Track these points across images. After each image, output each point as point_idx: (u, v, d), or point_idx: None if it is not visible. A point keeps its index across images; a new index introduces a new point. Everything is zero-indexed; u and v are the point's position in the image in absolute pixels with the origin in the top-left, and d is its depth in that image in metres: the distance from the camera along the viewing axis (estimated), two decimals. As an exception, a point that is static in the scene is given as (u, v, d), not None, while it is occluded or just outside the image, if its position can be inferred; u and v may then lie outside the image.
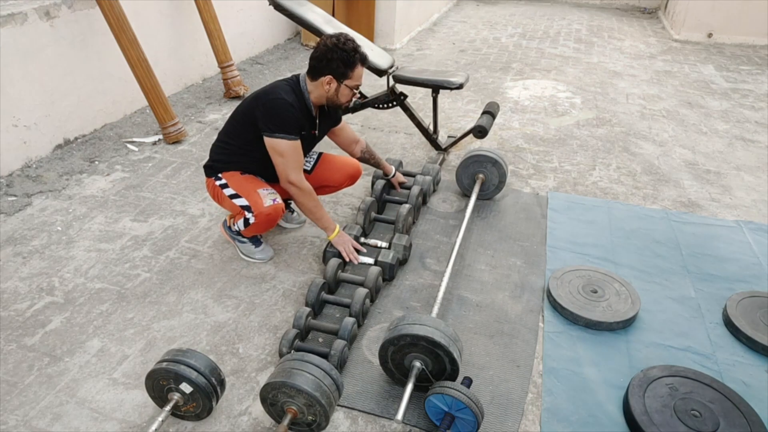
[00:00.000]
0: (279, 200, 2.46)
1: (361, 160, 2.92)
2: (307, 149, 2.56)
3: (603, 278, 2.58)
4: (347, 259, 2.58)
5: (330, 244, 2.61)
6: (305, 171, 2.74)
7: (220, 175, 2.53)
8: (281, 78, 2.51)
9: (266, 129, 2.33)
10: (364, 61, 2.39)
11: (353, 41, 2.34)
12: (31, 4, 3.34)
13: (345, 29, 3.65)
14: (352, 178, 2.86)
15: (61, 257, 2.67)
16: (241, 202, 2.46)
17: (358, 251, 2.64)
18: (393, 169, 3.12)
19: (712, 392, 1.98)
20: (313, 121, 2.50)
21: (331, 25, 3.55)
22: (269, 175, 2.60)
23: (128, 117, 4.16)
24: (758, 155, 4.06)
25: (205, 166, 2.59)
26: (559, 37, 7.18)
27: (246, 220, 2.47)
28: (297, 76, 2.44)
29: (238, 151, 2.50)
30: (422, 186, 3.14)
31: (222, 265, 2.67)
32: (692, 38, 7.19)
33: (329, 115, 2.62)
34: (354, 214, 3.12)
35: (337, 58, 2.30)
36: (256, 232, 2.60)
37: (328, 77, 2.34)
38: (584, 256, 2.82)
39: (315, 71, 2.36)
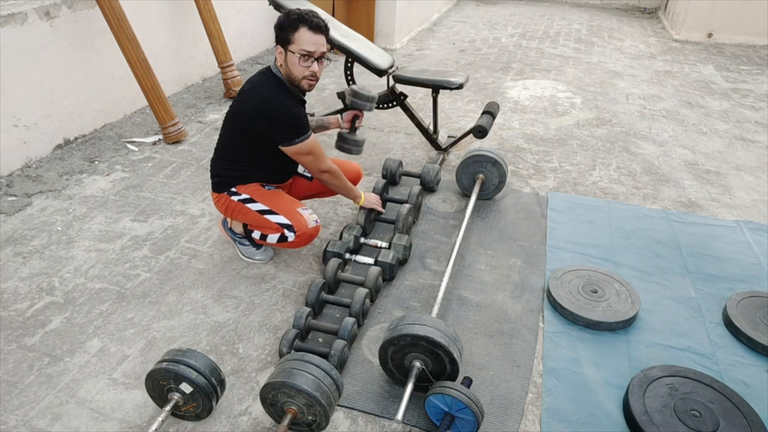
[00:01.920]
0: (319, 221, 2.49)
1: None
2: None
3: (603, 278, 2.58)
4: (380, 211, 2.89)
5: (330, 244, 2.61)
6: (307, 178, 2.76)
7: (234, 189, 2.47)
8: (254, 76, 2.37)
9: (284, 140, 2.31)
10: (309, 24, 2.19)
11: (304, 9, 2.23)
12: (31, 4, 3.34)
13: (345, 29, 3.66)
14: (353, 182, 2.87)
15: (61, 257, 2.67)
16: (279, 219, 2.42)
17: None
18: (337, 117, 2.84)
19: (712, 392, 1.98)
20: (302, 102, 2.43)
21: (331, 25, 3.53)
22: (282, 176, 2.63)
23: (128, 117, 4.16)
24: (758, 155, 4.06)
25: (214, 182, 2.53)
26: (559, 37, 7.18)
27: (283, 237, 2.45)
28: (268, 68, 2.35)
29: (249, 167, 2.46)
30: (427, 174, 3.19)
31: (222, 265, 2.67)
32: (692, 38, 7.19)
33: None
34: (354, 214, 3.12)
35: (278, 25, 2.22)
36: (287, 248, 2.59)
37: (278, 47, 2.26)
38: (584, 256, 2.82)
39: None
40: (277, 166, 2.54)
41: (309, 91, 2.38)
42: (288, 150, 2.35)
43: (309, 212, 2.48)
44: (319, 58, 2.29)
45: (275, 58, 2.34)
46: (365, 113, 2.79)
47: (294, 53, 2.23)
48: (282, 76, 2.33)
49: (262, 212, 2.44)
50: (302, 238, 2.44)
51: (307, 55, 2.24)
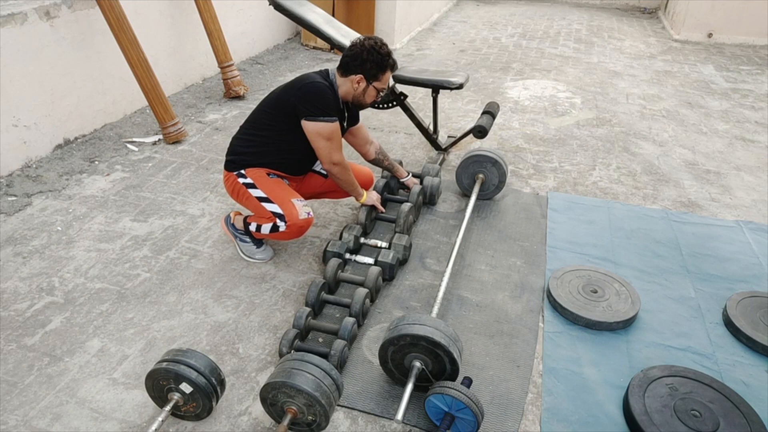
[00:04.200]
0: (312, 213, 2.50)
1: (375, 162, 2.96)
2: None
3: (603, 278, 2.58)
4: (380, 210, 2.92)
5: (330, 244, 2.61)
6: (322, 175, 2.79)
7: (243, 171, 2.52)
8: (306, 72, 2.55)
9: (308, 113, 2.36)
10: (394, 66, 2.46)
11: (387, 46, 2.42)
12: (31, 4, 3.34)
13: (345, 29, 3.65)
14: (365, 186, 2.91)
15: (61, 257, 2.67)
16: (273, 208, 2.45)
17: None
18: (406, 173, 3.14)
19: (712, 392, 1.98)
20: (342, 114, 2.54)
21: (331, 25, 3.55)
22: (296, 168, 2.65)
23: (128, 117, 4.16)
24: (758, 155, 4.06)
25: (227, 161, 2.58)
26: (559, 37, 7.18)
27: (275, 227, 2.47)
28: (326, 70, 2.49)
29: (267, 144, 2.50)
30: (429, 186, 3.15)
31: (222, 265, 2.67)
32: (692, 38, 7.19)
33: (351, 113, 2.65)
34: (354, 214, 3.12)
35: (372, 59, 2.37)
36: (281, 239, 2.60)
37: (359, 76, 2.40)
38: (584, 256, 2.82)
39: (347, 68, 2.41)
40: (294, 154, 2.56)
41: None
42: (309, 126, 2.38)
43: (302, 203, 2.49)
44: None
45: (332, 71, 2.47)
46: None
47: (376, 88, 2.47)
48: (337, 89, 2.45)
49: (260, 199, 2.48)
50: (292, 228, 2.45)
51: (383, 89, 2.51)
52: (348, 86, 2.44)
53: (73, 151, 3.63)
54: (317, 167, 2.79)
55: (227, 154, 2.59)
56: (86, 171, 3.44)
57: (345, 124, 2.62)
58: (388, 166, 3.02)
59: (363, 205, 2.83)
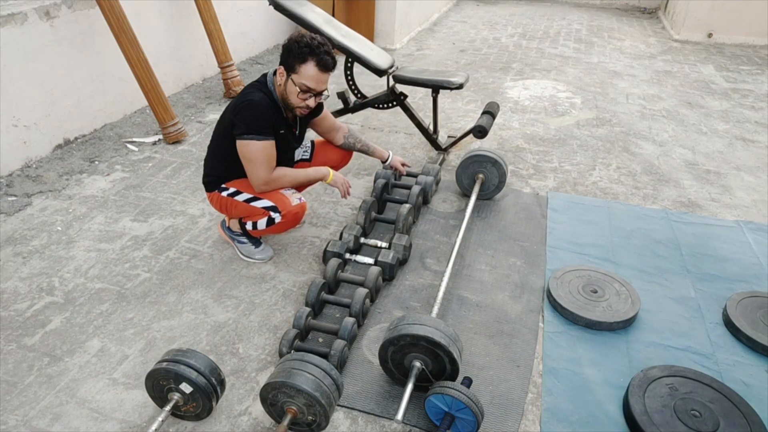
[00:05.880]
0: (303, 198, 2.48)
1: (345, 146, 2.81)
2: (289, 148, 2.54)
3: (603, 278, 2.58)
4: (345, 197, 2.61)
5: (330, 244, 2.61)
6: (305, 161, 2.78)
7: (224, 185, 2.51)
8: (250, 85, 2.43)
9: (237, 132, 2.27)
10: (318, 59, 2.18)
11: (318, 40, 2.19)
12: (31, 4, 3.34)
13: (345, 29, 3.66)
14: (343, 161, 2.88)
15: (61, 257, 2.67)
16: (263, 203, 2.44)
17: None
18: (388, 153, 3.01)
19: (712, 392, 1.98)
20: (286, 122, 2.42)
21: (331, 25, 3.55)
22: None
23: (128, 117, 4.16)
24: (758, 155, 4.06)
25: (205, 183, 2.57)
26: (559, 37, 7.18)
27: (270, 220, 2.46)
28: (264, 75, 2.39)
29: (238, 167, 2.45)
30: (423, 185, 3.14)
31: (222, 265, 2.67)
32: (692, 38, 7.19)
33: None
34: (354, 214, 3.12)
35: (291, 48, 2.19)
36: (278, 231, 2.59)
37: (281, 68, 2.27)
38: (584, 256, 2.82)
39: (280, 61, 2.30)
40: None
41: (299, 116, 2.43)
42: (238, 145, 2.30)
43: (291, 191, 2.48)
44: (318, 94, 2.29)
45: (274, 71, 2.34)
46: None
47: (295, 84, 2.23)
48: (276, 93, 2.35)
49: (248, 200, 2.47)
50: (288, 217, 2.44)
51: (307, 91, 2.24)
52: (278, 89, 2.30)
53: (73, 151, 3.63)
54: (298, 157, 2.76)
55: (204, 176, 2.57)
56: (86, 171, 3.45)
57: (297, 130, 2.52)
58: (361, 148, 2.83)
59: (332, 184, 2.61)
